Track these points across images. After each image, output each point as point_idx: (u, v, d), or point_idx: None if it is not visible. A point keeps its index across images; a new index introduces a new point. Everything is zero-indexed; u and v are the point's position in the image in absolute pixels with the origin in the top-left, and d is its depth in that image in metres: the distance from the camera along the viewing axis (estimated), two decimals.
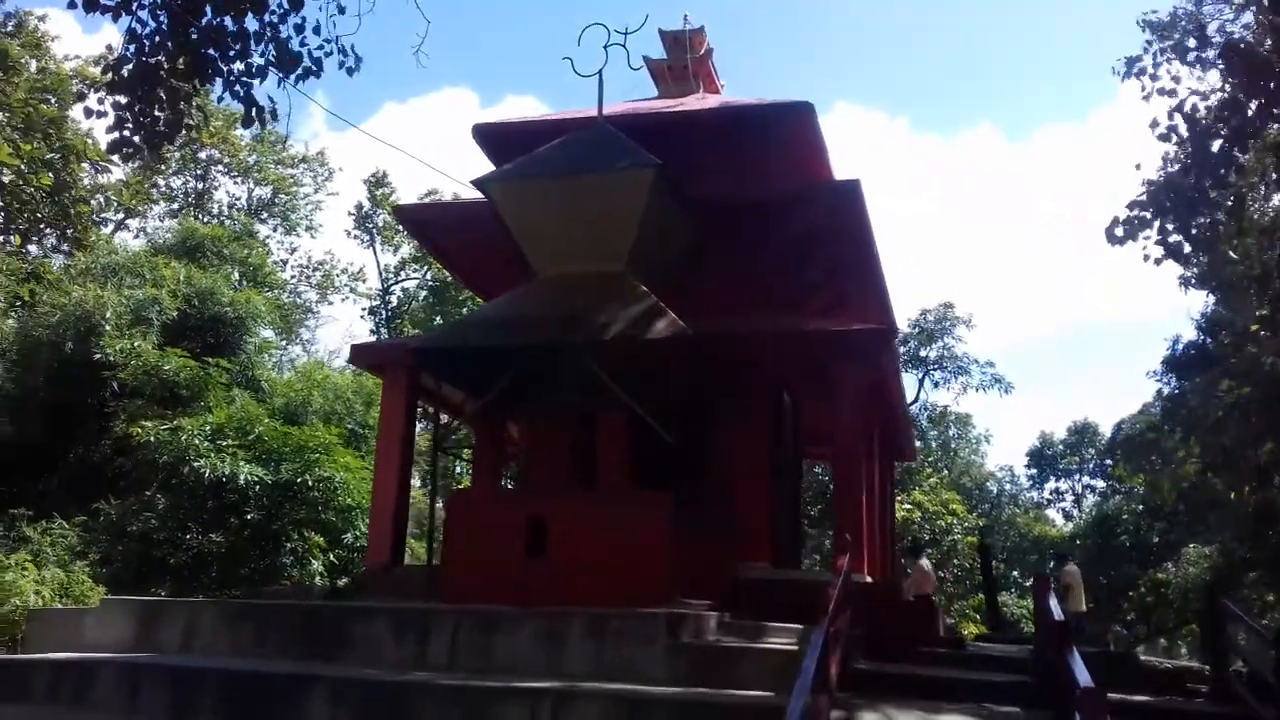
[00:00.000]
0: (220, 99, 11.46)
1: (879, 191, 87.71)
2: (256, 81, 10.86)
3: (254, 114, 11.10)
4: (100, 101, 11.16)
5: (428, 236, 16.70)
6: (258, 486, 18.24)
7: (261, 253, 32.02)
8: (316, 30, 10.84)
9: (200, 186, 47.33)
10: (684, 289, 14.47)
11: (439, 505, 16.15)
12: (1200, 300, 23.03)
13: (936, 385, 39.46)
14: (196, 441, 18.10)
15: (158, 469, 18.27)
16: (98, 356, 20.72)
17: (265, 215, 48.86)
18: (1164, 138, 12.83)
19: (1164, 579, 36.26)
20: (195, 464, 17.73)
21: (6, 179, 26.20)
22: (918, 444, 40.83)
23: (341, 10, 11.06)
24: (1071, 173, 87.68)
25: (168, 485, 18.36)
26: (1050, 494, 49.43)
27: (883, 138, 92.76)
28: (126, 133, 11.05)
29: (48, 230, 30.65)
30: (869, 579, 13.93)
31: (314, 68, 10.90)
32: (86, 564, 16.94)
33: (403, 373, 15.03)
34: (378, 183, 47.40)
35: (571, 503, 12.02)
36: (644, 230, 12.74)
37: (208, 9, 10.38)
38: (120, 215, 42.86)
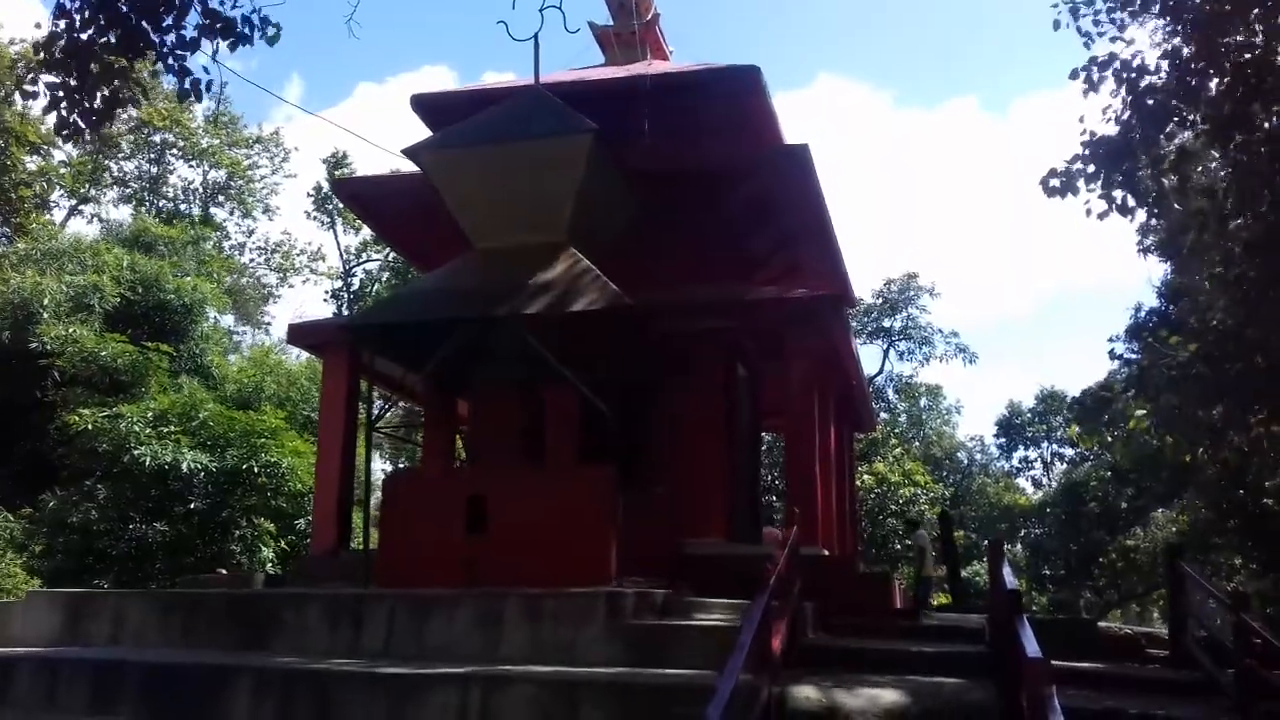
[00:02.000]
0: (154, 73, 11.00)
1: (861, 164, 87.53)
2: (189, 53, 10.54)
3: (189, 86, 10.82)
4: (33, 82, 10.74)
5: (369, 212, 16.23)
6: (202, 474, 17.79)
7: (214, 247, 31.26)
8: None
9: (155, 171, 46.56)
10: (630, 259, 14.09)
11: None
12: (1160, 267, 22.83)
13: (901, 356, 39.30)
14: (137, 429, 17.60)
15: (98, 458, 17.75)
16: (34, 345, 20.13)
17: (221, 198, 48.13)
18: (1091, 87, 12.44)
19: (1133, 544, 36.29)
20: (135, 452, 17.24)
21: None
22: (884, 415, 40.87)
23: None
24: (1054, 141, 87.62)
25: (109, 474, 17.86)
26: (1019, 462, 49.38)
27: (866, 111, 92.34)
28: (63, 113, 10.68)
29: None
30: (824, 551, 13.64)
31: (247, 33, 10.49)
32: (21, 557, 16.45)
33: (343, 352, 14.59)
34: (337, 163, 46.59)
35: (512, 479, 11.67)
36: (582, 199, 12.35)
37: None
38: (73, 202, 42.14)
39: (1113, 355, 14.89)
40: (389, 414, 16.93)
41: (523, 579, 10.32)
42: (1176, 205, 13.83)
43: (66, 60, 10.33)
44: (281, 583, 13.60)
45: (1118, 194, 13.49)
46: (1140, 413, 16.25)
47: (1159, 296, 23.07)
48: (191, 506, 17.74)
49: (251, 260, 48.55)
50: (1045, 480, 47.83)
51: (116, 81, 10.80)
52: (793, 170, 14.89)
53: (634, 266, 14.16)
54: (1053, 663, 10.89)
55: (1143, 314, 24.12)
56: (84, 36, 10.19)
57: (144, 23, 10.08)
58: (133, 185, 46.06)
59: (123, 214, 42.96)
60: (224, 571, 14.41)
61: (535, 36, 13.36)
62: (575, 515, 11.09)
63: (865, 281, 49.14)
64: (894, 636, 11.84)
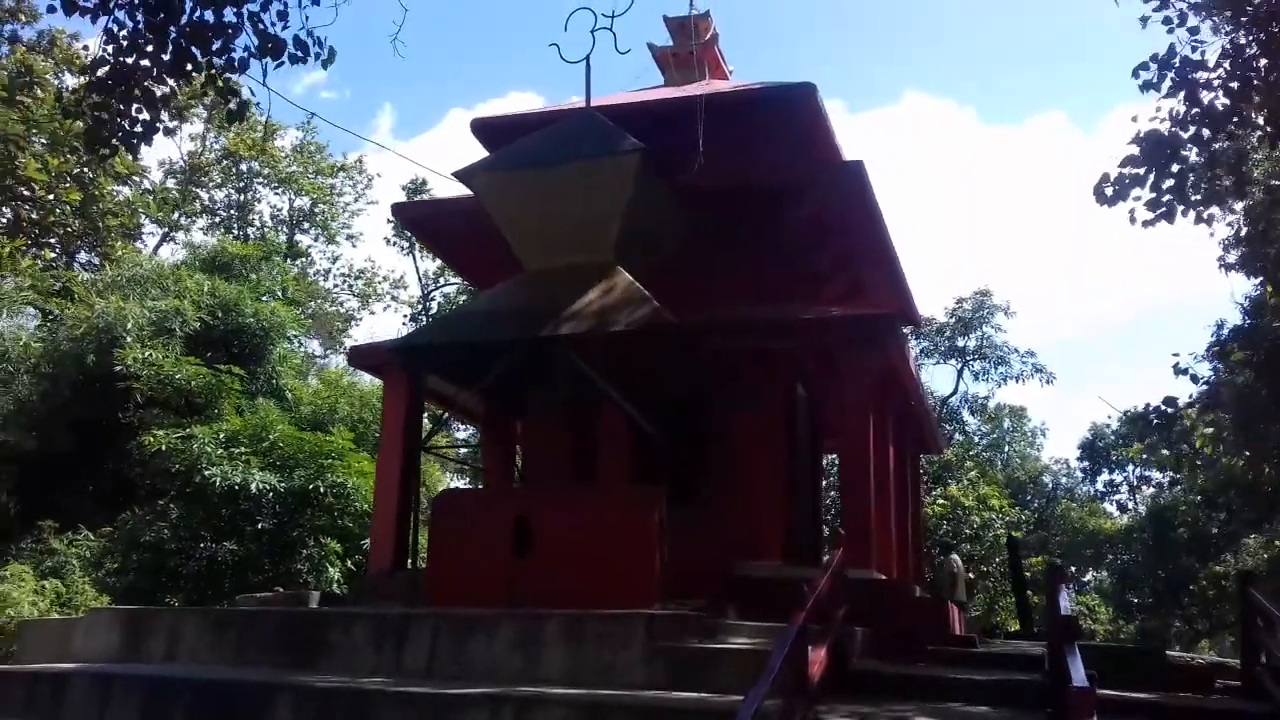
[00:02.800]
0: (205, 95, 11.30)
1: (947, 181, 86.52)
2: (237, 74, 10.82)
3: (237, 107, 11.14)
4: (78, 103, 11.09)
5: (430, 235, 16.46)
6: (270, 494, 18.12)
7: (285, 268, 31.95)
8: (305, 16, 10.65)
9: (241, 199, 47.89)
10: (684, 278, 14.08)
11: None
12: (1245, 282, 22.04)
13: (976, 376, 38.49)
14: (208, 450, 18.02)
15: (171, 478, 18.21)
16: (118, 368, 20.75)
17: (306, 225, 49.27)
18: (1152, 86, 12.03)
19: (1223, 571, 35.00)
20: (206, 472, 17.64)
21: (35, 194, 26.60)
22: (958, 437, 40.10)
23: (316, 1, 10.91)
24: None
25: (182, 494, 18.31)
26: (1105, 486, 48.07)
27: (952, 127, 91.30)
28: (105, 134, 11.02)
29: (79, 244, 31.13)
30: (879, 576, 13.40)
31: (299, 54, 10.69)
32: (88, 575, 16.95)
33: (402, 374, 14.75)
34: (416, 190, 47.46)
35: (559, 500, 11.69)
36: (631, 219, 12.36)
37: (186, 5, 10.27)
38: (165, 230, 43.54)
39: (1178, 370, 14.37)
40: (456, 435, 17.06)
41: (567, 599, 10.31)
42: (1235, 208, 13.35)
43: (110, 84, 10.68)
44: (339, 601, 13.76)
45: (1166, 198, 13.07)
46: (1208, 430, 15.68)
47: (1242, 312, 22.33)
48: (260, 526, 18.07)
49: (335, 286, 49.64)
50: (1131, 505, 46.47)
51: (159, 106, 11.17)
52: (848, 187, 14.75)
53: (688, 285, 14.14)
54: (1112, 693, 10.69)
55: (1225, 331, 23.27)
56: (130, 61, 10.54)
57: (193, 46, 10.39)
58: (221, 214, 47.50)
59: (211, 241, 44.15)
60: (281, 590, 14.65)
61: (587, 59, 13.50)
62: (620, 536, 11.05)
63: (947, 300, 48.50)
64: (947, 664, 11.56)
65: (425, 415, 16.94)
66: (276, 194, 48.28)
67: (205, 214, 47.35)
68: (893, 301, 18.67)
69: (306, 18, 10.61)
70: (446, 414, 15.59)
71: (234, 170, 47.02)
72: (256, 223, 47.81)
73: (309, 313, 47.59)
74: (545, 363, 11.93)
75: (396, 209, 16.19)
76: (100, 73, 10.57)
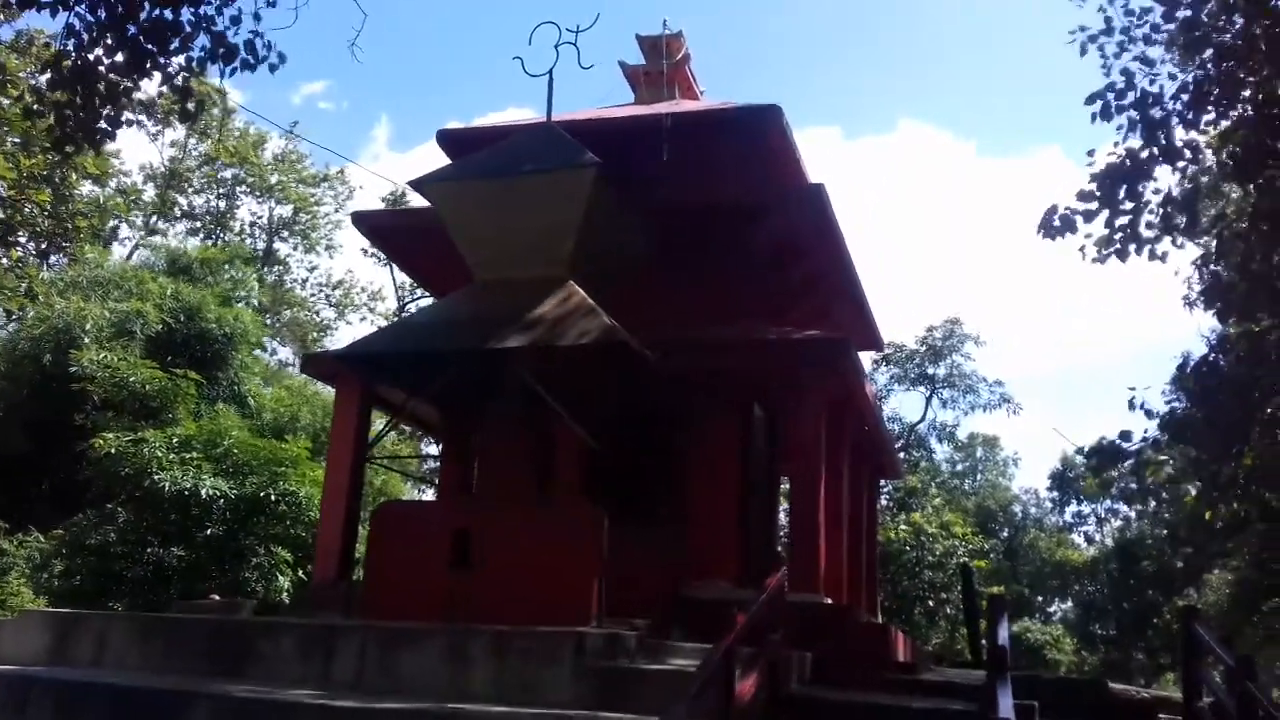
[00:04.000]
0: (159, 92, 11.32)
1: (941, 211, 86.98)
2: (197, 74, 10.79)
3: (190, 107, 11.09)
4: (39, 100, 10.99)
5: (389, 245, 16.36)
6: (221, 500, 17.89)
7: (249, 274, 31.76)
8: (256, 17, 10.62)
9: (222, 205, 47.67)
10: (644, 297, 14.01)
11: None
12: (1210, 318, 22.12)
13: (945, 404, 38.54)
14: (159, 454, 17.78)
15: (121, 482, 17.97)
16: (74, 369, 20.52)
17: (286, 234, 49.10)
18: (1105, 115, 12.05)
19: (1185, 605, 35.06)
20: (156, 477, 17.40)
21: (4, 194, 26.31)
22: (924, 464, 40.13)
23: (272, 4, 10.85)
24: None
25: (131, 498, 18.06)
26: (1073, 517, 48.23)
27: (948, 158, 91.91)
28: (68, 130, 10.95)
29: (47, 245, 30.81)
30: (825, 600, 13.29)
31: (251, 60, 10.65)
32: (34, 578, 16.66)
33: (354, 382, 14.61)
34: (396, 202, 47.29)
35: (499, 514, 11.53)
36: (586, 234, 12.27)
37: (145, 2, 10.22)
38: (142, 233, 43.27)
39: (1132, 405, 14.35)
40: (427, 449, 16.87)
41: (504, 615, 10.14)
42: (1188, 245, 13.36)
43: (72, 79, 10.61)
44: (277, 611, 13.57)
45: (1118, 235, 13.06)
46: (1161, 463, 15.66)
47: (1209, 348, 22.40)
48: (209, 533, 17.83)
49: (311, 295, 49.43)
50: (1099, 536, 46.59)
51: (123, 100, 11.12)
52: (810, 210, 14.73)
53: (648, 303, 14.04)
54: None
55: (1189, 366, 23.35)
56: (91, 56, 10.49)
57: (151, 45, 10.34)
58: (201, 220, 47.24)
59: (190, 246, 43.98)
60: (216, 597, 14.42)
61: (549, 73, 13.44)
62: (558, 553, 10.90)
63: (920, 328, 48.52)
64: (888, 690, 11.46)
65: (388, 426, 16.83)
66: (258, 201, 48.17)
67: (185, 219, 47.21)
68: (856, 326, 18.67)
69: (259, 18, 10.62)
70: (394, 424, 15.40)
71: (216, 176, 46.87)
72: (235, 229, 47.65)
73: (284, 321, 47.49)
74: (494, 375, 11.80)
75: (356, 218, 16.06)
76: (63, 68, 10.56)
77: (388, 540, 11.58)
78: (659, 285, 14.51)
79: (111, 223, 37.79)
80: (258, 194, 47.14)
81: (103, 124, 10.98)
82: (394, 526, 11.76)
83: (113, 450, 17.82)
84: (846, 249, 15.72)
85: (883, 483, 33.64)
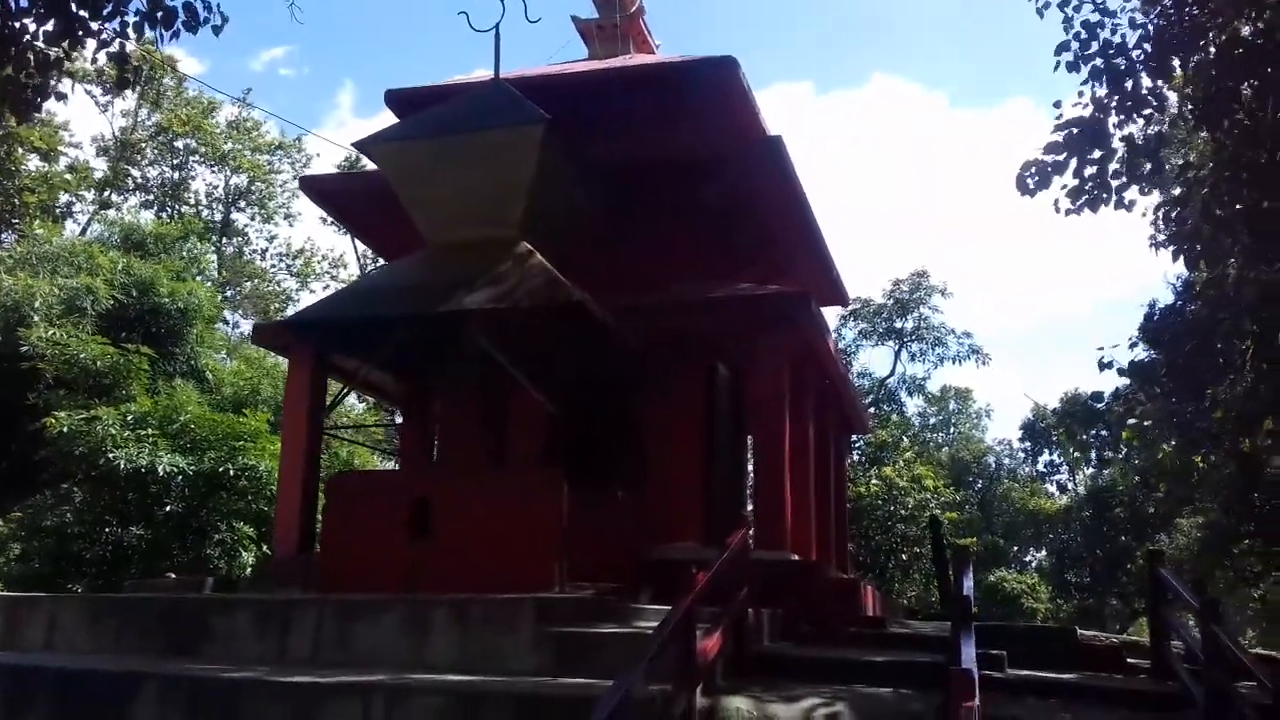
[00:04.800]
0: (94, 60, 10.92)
1: (917, 164, 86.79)
2: (137, 40, 10.39)
3: (127, 74, 10.71)
4: None
5: (340, 209, 15.95)
6: (180, 477, 17.55)
7: (204, 248, 31.21)
8: None
9: (176, 176, 46.81)
10: (602, 257, 13.76)
11: None
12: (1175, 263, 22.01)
13: (913, 358, 38.49)
14: (114, 432, 17.39)
15: (75, 461, 17.58)
16: (24, 348, 20.04)
17: (243, 204, 48.33)
18: (1073, 66, 11.91)
19: (1158, 550, 35.34)
20: (110, 455, 17.03)
21: None
22: (895, 418, 40.17)
23: None
24: None
25: (87, 478, 17.69)
26: (1045, 467, 48.45)
27: (921, 111, 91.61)
28: None
29: None
30: (793, 557, 13.17)
31: (190, 21, 10.27)
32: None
33: (307, 352, 14.27)
34: (352, 167, 46.52)
35: (458, 482, 11.32)
36: (536, 192, 11.95)
37: None
38: (94, 208, 42.41)
39: (1102, 365, 14.23)
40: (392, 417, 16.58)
41: (466, 584, 9.94)
42: (1154, 193, 13.24)
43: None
44: (236, 587, 13.31)
45: (1089, 185, 12.99)
46: (1131, 422, 15.61)
47: (1174, 294, 22.31)
48: (168, 510, 17.50)
49: (272, 266, 48.75)
50: (1071, 485, 46.85)
51: (52, 71, 10.71)
52: (768, 163, 14.47)
53: (605, 264, 13.79)
54: (1028, 673, 10.55)
55: (1156, 313, 23.31)
56: (18, 25, 10.08)
57: (82, 10, 9.94)
58: (155, 191, 46.38)
59: (144, 219, 43.18)
60: (173, 575, 14.16)
61: (496, 28, 13.06)
62: (519, 519, 10.69)
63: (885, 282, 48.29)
64: (858, 645, 11.39)
65: (340, 395, 16.50)
66: (213, 171, 47.36)
67: (139, 191, 46.34)
68: (820, 281, 18.48)
69: None
70: (345, 392, 15.09)
71: (169, 147, 46.00)
72: (191, 201, 46.84)
73: (244, 293, 46.85)
74: (445, 340, 11.52)
75: (304, 183, 15.67)
76: None
77: (344, 511, 11.33)
78: (616, 244, 14.23)
79: (64, 198, 37.07)
80: (212, 164, 46.30)
81: (28, 94, 10.62)
82: (350, 497, 11.51)
83: (65, 429, 17.43)
84: (807, 202, 15.49)
85: (854, 438, 33.71)
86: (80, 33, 10.13)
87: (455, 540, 10.78)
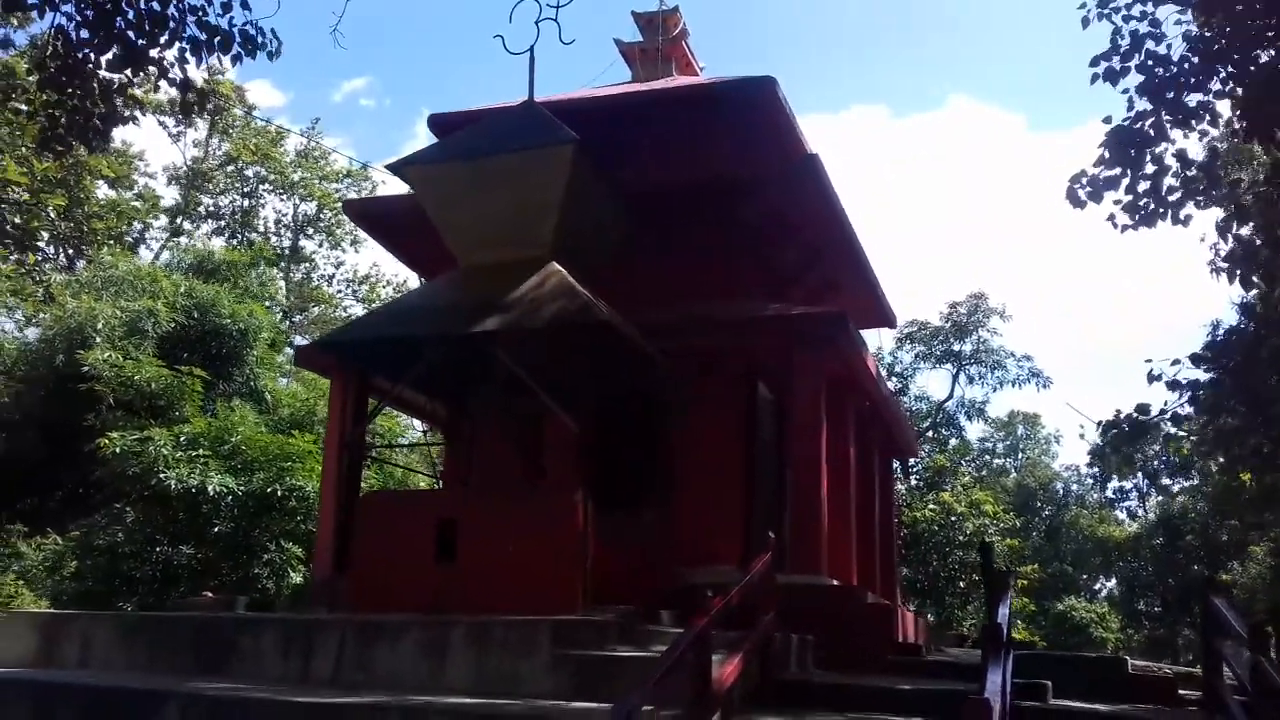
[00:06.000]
0: (157, 88, 11.23)
1: (995, 189, 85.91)
2: (191, 64, 10.63)
3: (191, 100, 10.96)
4: (30, 102, 10.89)
5: (382, 231, 16.09)
6: (229, 497, 17.79)
7: (270, 274, 31.74)
8: (245, 5, 10.47)
9: (246, 204, 47.81)
10: (637, 276, 13.71)
11: None
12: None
13: (972, 381, 37.70)
14: (165, 452, 17.70)
15: (128, 481, 17.92)
16: (85, 369, 20.53)
17: (311, 231, 49.15)
18: (1112, 77, 11.61)
19: (1230, 580, 34.22)
20: (162, 475, 17.32)
21: (19, 198, 26.49)
22: (954, 442, 39.43)
23: None
24: None
25: (140, 498, 18.01)
26: (1114, 493, 47.23)
27: (1000, 134, 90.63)
28: (61, 130, 10.83)
29: (65, 248, 31.04)
30: (830, 581, 12.93)
31: (247, 48, 10.53)
32: (45, 581, 16.65)
33: (346, 373, 14.39)
34: None
35: (483, 504, 11.29)
36: (568, 213, 11.94)
37: None
38: (167, 235, 43.47)
39: (1151, 377, 13.79)
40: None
41: (490, 605, 9.94)
42: (1210, 207, 12.84)
43: (61, 78, 10.48)
44: (270, 607, 13.42)
45: (1143, 200, 12.69)
46: (1182, 437, 15.10)
47: (1239, 315, 21.63)
48: (217, 530, 17.75)
49: (338, 291, 49.49)
50: (1141, 511, 45.59)
51: (117, 98, 10.99)
52: (806, 182, 14.32)
53: (644, 284, 13.74)
54: (1069, 704, 10.22)
55: (1219, 334, 22.54)
56: (81, 55, 10.35)
57: (140, 39, 10.18)
58: (225, 219, 47.43)
59: (215, 246, 44.12)
60: (210, 594, 14.32)
61: (531, 50, 13.09)
62: (541, 541, 10.63)
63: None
64: (889, 672, 11.13)
65: (371, 415, 16.58)
66: (281, 199, 48.28)
67: (210, 218, 47.43)
68: (866, 302, 18.25)
69: (247, 6, 10.45)
70: (377, 412, 15.16)
71: (239, 175, 47.04)
72: (260, 228, 47.81)
73: (310, 318, 47.57)
74: (473, 361, 11.54)
75: (346, 205, 15.87)
76: (51, 69, 10.43)
77: (373, 532, 11.37)
78: (655, 265, 14.18)
79: (136, 225, 38.05)
80: (280, 192, 47.21)
81: (96, 122, 10.89)
82: (379, 518, 11.55)
83: (118, 450, 17.77)
84: (847, 221, 15.30)
85: (910, 462, 33.16)
86: (140, 60, 10.39)
87: (480, 562, 10.77)
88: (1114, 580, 46.22)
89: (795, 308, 13.61)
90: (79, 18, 9.90)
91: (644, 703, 6.77)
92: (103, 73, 10.53)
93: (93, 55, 10.05)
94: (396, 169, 12.53)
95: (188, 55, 10.12)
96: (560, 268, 11.75)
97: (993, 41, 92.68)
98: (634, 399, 12.99)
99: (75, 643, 11.16)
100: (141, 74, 10.41)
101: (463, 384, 12.98)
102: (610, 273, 13.06)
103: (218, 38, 10.11)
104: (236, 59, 10.25)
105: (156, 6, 9.89)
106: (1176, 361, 12.89)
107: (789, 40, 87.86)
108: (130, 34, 9.91)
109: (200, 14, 10.00)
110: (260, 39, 10.33)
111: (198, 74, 11.03)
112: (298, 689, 9.05)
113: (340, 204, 48.35)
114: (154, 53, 10.06)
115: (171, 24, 10.00)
